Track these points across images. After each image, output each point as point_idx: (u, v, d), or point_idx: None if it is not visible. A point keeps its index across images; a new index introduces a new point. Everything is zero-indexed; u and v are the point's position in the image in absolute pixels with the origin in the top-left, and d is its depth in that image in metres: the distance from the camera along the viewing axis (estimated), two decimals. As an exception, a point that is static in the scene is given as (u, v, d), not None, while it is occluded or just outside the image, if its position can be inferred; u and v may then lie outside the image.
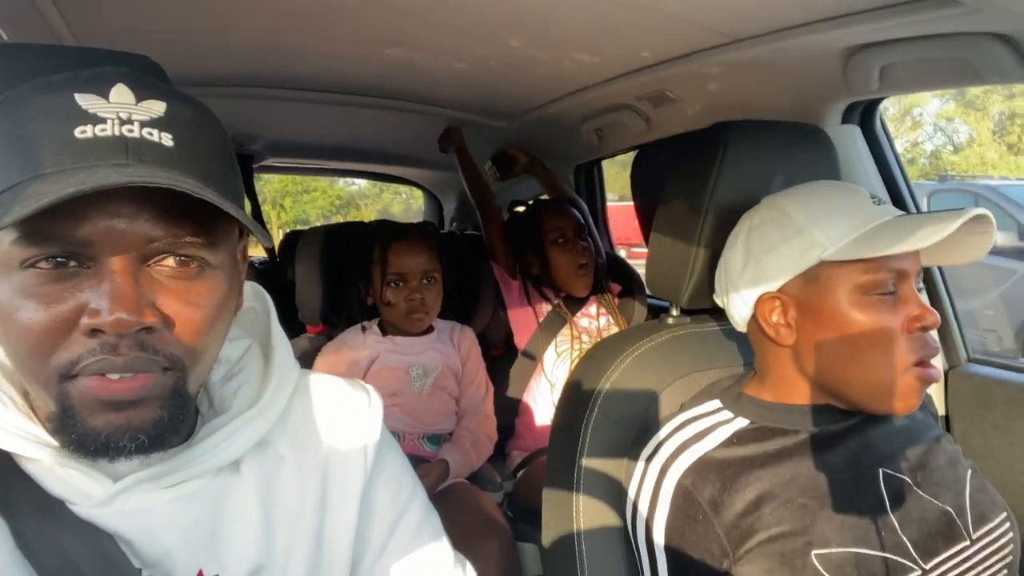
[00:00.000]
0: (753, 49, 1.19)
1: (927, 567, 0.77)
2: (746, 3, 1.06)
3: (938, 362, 1.31)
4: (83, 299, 0.49)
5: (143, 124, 0.51)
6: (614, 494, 0.93)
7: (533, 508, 1.15)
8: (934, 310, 0.79)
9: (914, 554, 0.77)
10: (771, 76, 1.29)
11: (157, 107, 0.52)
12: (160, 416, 0.52)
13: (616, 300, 1.99)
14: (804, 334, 0.82)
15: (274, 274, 2.28)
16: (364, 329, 1.67)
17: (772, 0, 1.04)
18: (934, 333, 0.80)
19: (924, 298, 0.81)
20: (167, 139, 0.51)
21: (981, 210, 0.75)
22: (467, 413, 1.70)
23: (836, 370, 0.81)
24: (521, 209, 2.12)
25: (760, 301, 0.85)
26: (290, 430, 0.65)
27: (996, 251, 6.00)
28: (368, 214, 18.71)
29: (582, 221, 1.92)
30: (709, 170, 1.01)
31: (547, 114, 1.88)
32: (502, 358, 1.98)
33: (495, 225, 2.00)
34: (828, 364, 0.81)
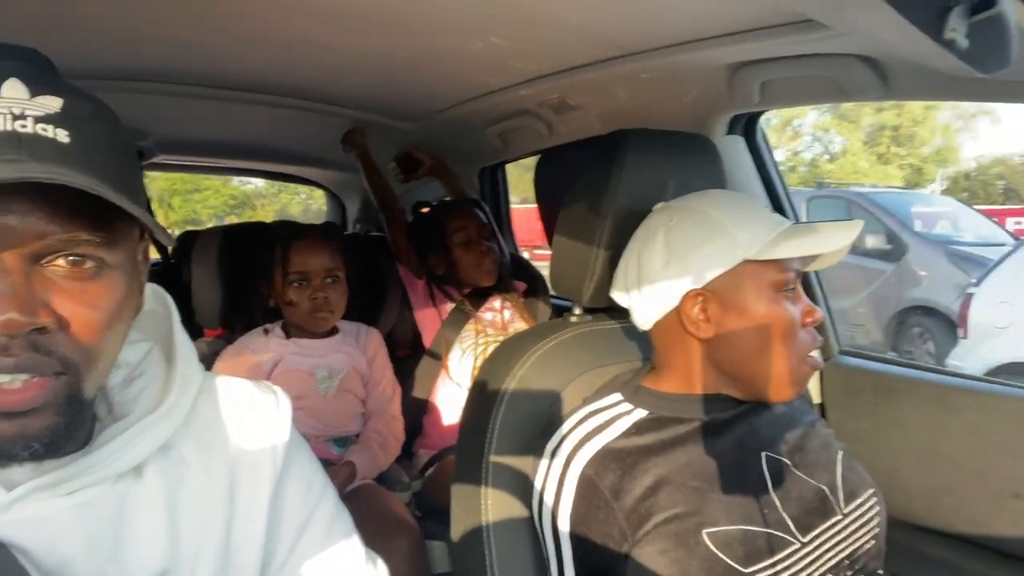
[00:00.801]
0: (647, 61, 1.26)
1: (804, 540, 0.85)
2: (640, 18, 1.12)
3: (815, 354, 1.43)
4: None
5: (37, 120, 0.49)
6: (521, 487, 0.96)
7: (441, 507, 1.17)
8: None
9: (793, 529, 0.84)
10: (664, 88, 1.36)
11: (53, 103, 0.51)
12: (55, 423, 0.51)
13: (521, 299, 2.03)
14: (722, 328, 0.88)
15: (168, 275, 2.18)
16: (266, 332, 1.64)
17: (663, 17, 1.11)
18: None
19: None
20: (63, 135, 0.50)
21: (861, 222, 0.88)
22: (374, 414, 1.69)
23: (749, 360, 0.88)
24: (426, 210, 2.12)
25: (684, 297, 0.90)
26: (195, 433, 0.64)
27: (866, 253, 6.52)
28: (265, 215, 18.05)
29: (486, 222, 1.95)
30: (608, 175, 1.06)
31: (451, 117, 1.90)
32: (409, 358, 1.98)
33: (399, 227, 2.00)
34: (742, 355, 0.88)
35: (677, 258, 0.90)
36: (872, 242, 6.47)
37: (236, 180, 18.76)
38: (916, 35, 0.47)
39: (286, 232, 1.64)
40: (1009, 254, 4.73)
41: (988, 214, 8.79)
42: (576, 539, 0.84)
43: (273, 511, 0.66)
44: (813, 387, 1.39)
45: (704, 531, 0.80)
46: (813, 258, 0.93)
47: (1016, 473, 1.14)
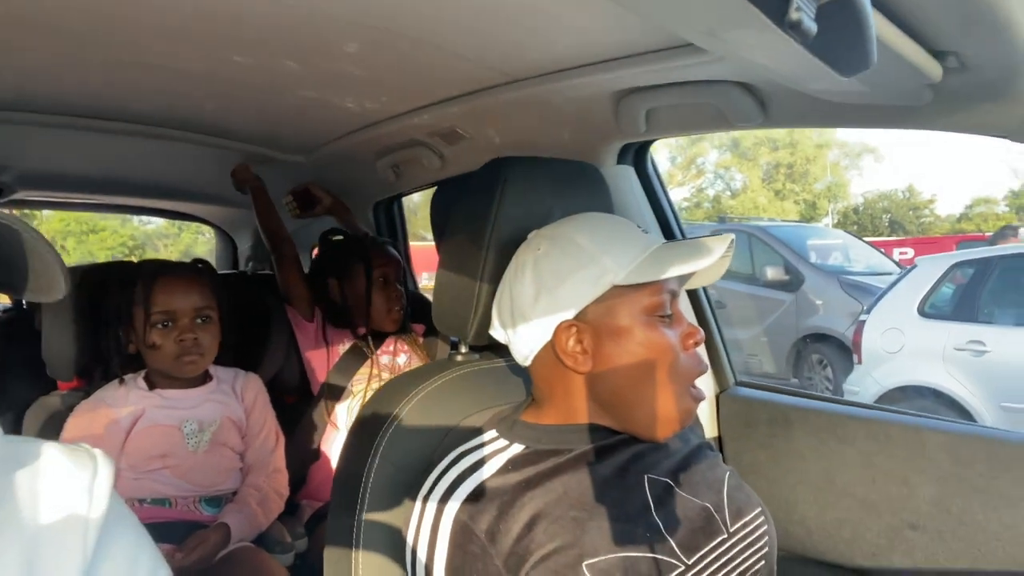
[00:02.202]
0: (534, 88, 1.23)
1: (690, 562, 0.80)
2: (525, 44, 1.09)
3: (709, 385, 1.41)
4: None
5: None
6: (395, 543, 0.87)
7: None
8: (698, 329, 0.85)
9: (678, 552, 0.79)
10: (554, 116, 1.33)
11: None
12: None
13: (421, 339, 1.96)
14: (600, 359, 0.84)
15: (20, 322, 1.96)
16: (123, 382, 1.46)
17: (548, 42, 1.08)
18: (702, 350, 0.84)
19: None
20: None
21: (731, 236, 0.82)
22: (254, 468, 1.54)
23: (628, 391, 0.83)
24: (339, 237, 2.02)
25: (557, 330, 0.85)
26: None
27: (767, 284, 6.80)
28: (168, 255, 17.26)
29: (402, 264, 1.91)
30: (489, 207, 1.00)
31: (342, 149, 1.82)
32: (297, 404, 1.85)
33: (289, 265, 1.88)
34: (622, 386, 0.83)
35: (546, 290, 0.85)
36: (772, 273, 6.76)
37: (136, 220, 17.92)
38: (783, 49, 0.43)
39: (149, 268, 1.48)
40: (895, 282, 5.00)
41: (876, 245, 9.38)
42: None
43: None
44: (708, 419, 1.37)
45: (584, 563, 0.74)
46: (689, 276, 0.90)
47: (910, 503, 1.13)
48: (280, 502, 1.56)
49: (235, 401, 1.54)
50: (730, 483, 0.90)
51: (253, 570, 1.35)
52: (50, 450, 0.61)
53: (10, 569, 0.52)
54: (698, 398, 0.86)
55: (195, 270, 1.52)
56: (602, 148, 1.37)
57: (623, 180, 1.40)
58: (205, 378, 1.53)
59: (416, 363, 1.86)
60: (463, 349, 1.10)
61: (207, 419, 1.48)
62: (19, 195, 2.30)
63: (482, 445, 0.86)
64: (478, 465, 0.83)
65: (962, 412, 4.13)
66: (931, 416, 1.20)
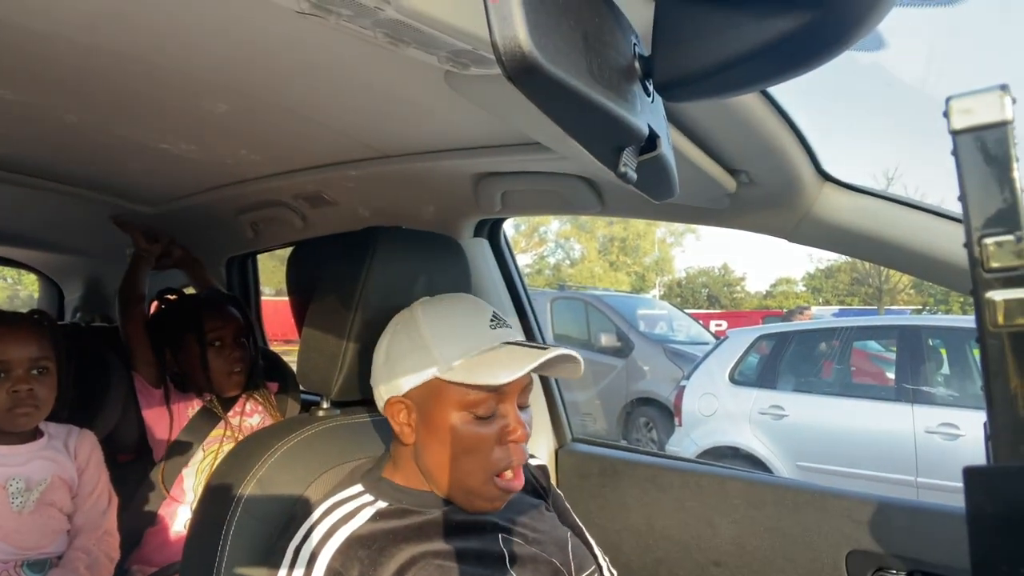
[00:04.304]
0: (401, 165, 1.33)
1: None
2: (395, 127, 1.19)
3: (548, 442, 1.55)
4: None
5: None
6: (257, 597, 0.90)
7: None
8: (525, 426, 0.91)
9: None
10: (417, 190, 1.45)
11: None
12: None
13: (273, 397, 1.93)
14: (420, 436, 0.93)
15: None
16: None
17: (416, 128, 1.19)
18: (524, 446, 0.93)
19: (527, 414, 0.94)
20: None
21: (562, 351, 0.89)
22: (83, 530, 1.45)
23: (438, 470, 0.92)
24: (173, 298, 1.93)
25: (389, 403, 0.95)
26: None
27: (601, 350, 7.23)
28: (-44, 299, 15.15)
29: (243, 323, 1.84)
30: (359, 269, 1.09)
31: (198, 203, 1.80)
32: (133, 463, 1.76)
33: (139, 330, 1.79)
34: (435, 465, 0.92)
35: (388, 364, 0.95)
36: (605, 340, 7.21)
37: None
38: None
39: None
40: (711, 352, 5.54)
41: (696, 317, 10.29)
42: None
43: None
44: (551, 472, 1.50)
45: None
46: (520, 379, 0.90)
47: (714, 543, 1.31)
48: (110, 567, 1.47)
49: (67, 459, 1.46)
50: (572, 542, 1.02)
51: (79, 640, 1.27)
52: None
53: None
54: (505, 488, 0.91)
55: (31, 320, 1.45)
56: (461, 222, 1.50)
57: (479, 252, 1.54)
58: (36, 434, 1.44)
59: (269, 422, 1.84)
60: (324, 404, 1.15)
61: (35, 477, 1.39)
62: None
63: (350, 499, 0.92)
64: (348, 517, 0.89)
65: (765, 471, 4.60)
66: (733, 467, 1.41)
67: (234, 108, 1.20)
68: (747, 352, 5.16)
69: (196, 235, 2.04)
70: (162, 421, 1.75)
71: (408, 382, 0.92)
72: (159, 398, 1.77)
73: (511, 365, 0.85)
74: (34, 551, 1.37)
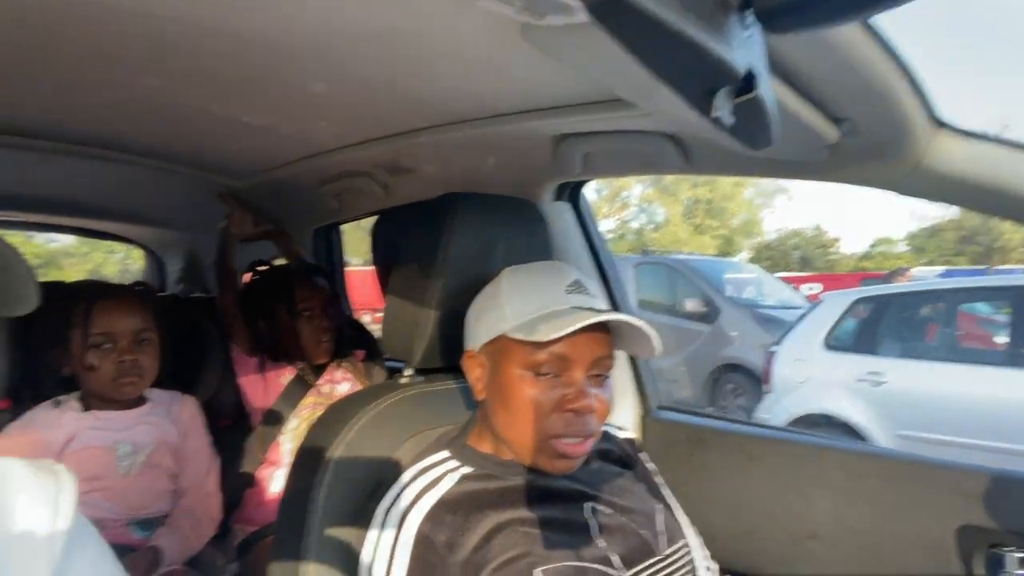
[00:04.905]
0: (478, 130, 1.31)
1: (628, 574, 0.89)
2: (473, 90, 1.17)
3: (633, 409, 1.52)
4: None
5: None
6: (346, 559, 0.91)
7: (262, 590, 1.08)
8: (592, 399, 0.88)
9: (619, 564, 0.89)
10: (496, 154, 1.42)
11: None
12: None
13: (361, 365, 1.98)
14: (489, 393, 0.95)
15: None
16: (57, 404, 1.45)
17: (495, 90, 1.16)
18: (591, 417, 0.89)
19: (604, 389, 0.91)
20: None
21: (622, 317, 0.87)
22: (187, 491, 1.54)
23: (504, 429, 0.93)
24: (263, 269, 2.00)
25: (466, 356, 0.98)
26: None
27: (686, 316, 7.07)
28: (73, 275, 16.39)
29: (330, 293, 1.90)
30: (439, 236, 1.08)
31: (284, 176, 1.85)
32: (231, 428, 1.84)
33: (233, 304, 1.86)
34: (500, 424, 0.93)
35: (470, 322, 0.99)
36: (690, 305, 7.04)
37: (40, 237, 16.96)
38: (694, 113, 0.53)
39: (89, 290, 1.48)
40: (803, 316, 5.31)
41: (787, 280, 9.90)
42: None
43: None
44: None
45: (536, 569, 0.82)
46: (595, 348, 0.90)
47: (810, 515, 1.25)
48: (212, 526, 1.56)
49: (170, 424, 1.54)
50: (663, 516, 1.00)
51: (187, 593, 1.35)
52: (15, 465, 0.63)
53: None
54: (559, 451, 0.89)
55: (135, 292, 1.53)
56: (541, 186, 1.47)
57: (559, 216, 1.51)
58: (140, 400, 1.53)
59: (358, 388, 1.88)
60: (408, 372, 1.16)
61: (141, 442, 1.48)
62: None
63: (437, 464, 0.94)
64: (435, 482, 0.90)
65: (861, 440, 4.40)
66: (830, 437, 1.34)
67: (318, 80, 1.21)
68: (844, 316, 4.91)
69: (283, 207, 2.09)
70: (257, 389, 1.83)
71: (481, 337, 0.95)
72: (254, 367, 1.84)
73: (560, 325, 0.85)
74: (141, 511, 1.46)
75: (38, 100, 1.38)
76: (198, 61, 1.13)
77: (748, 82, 0.40)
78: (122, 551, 1.36)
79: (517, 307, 0.92)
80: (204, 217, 2.09)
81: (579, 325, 0.84)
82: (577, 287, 0.94)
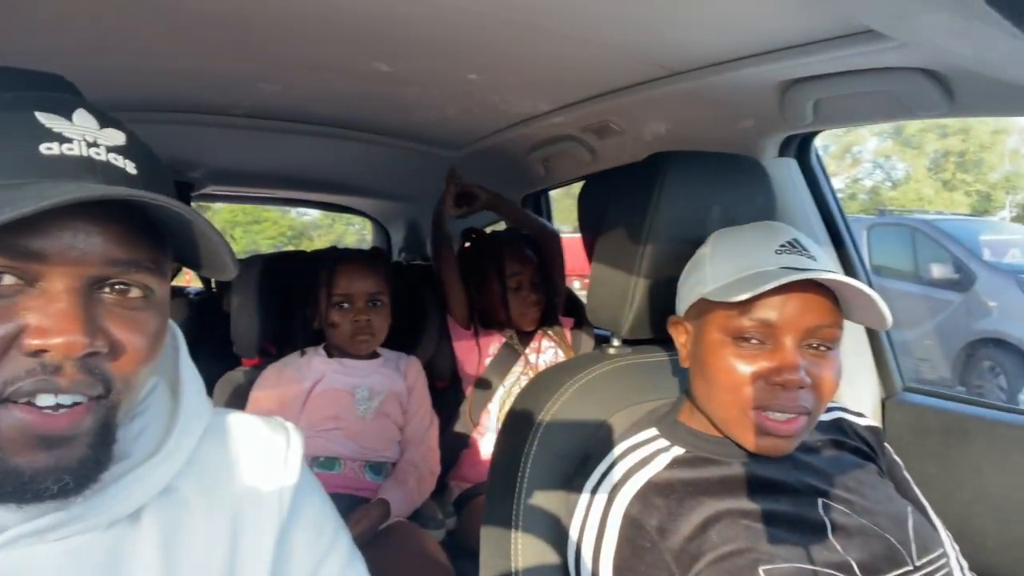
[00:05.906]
0: (692, 82, 1.21)
1: None
2: (687, 37, 1.08)
3: (872, 391, 1.33)
4: (25, 318, 0.48)
5: (109, 149, 0.52)
6: (554, 529, 0.90)
7: (475, 548, 1.11)
8: (802, 371, 0.78)
9: (858, 572, 0.77)
10: (710, 108, 1.31)
11: (118, 136, 0.53)
12: (87, 455, 0.50)
13: (568, 333, 1.98)
14: (692, 361, 0.89)
15: (210, 305, 2.19)
16: (304, 353, 1.64)
17: (707, 35, 1.06)
18: (803, 393, 0.78)
19: (828, 365, 0.80)
20: (131, 167, 0.52)
21: (837, 277, 0.77)
22: (411, 444, 1.66)
23: (704, 400, 0.86)
24: (474, 238, 2.06)
25: (671, 322, 0.94)
26: (198, 474, 0.60)
27: (932, 283, 6.25)
28: (321, 245, 18.50)
29: (538, 263, 1.91)
30: (647, 201, 1.01)
31: (494, 144, 1.88)
32: (447, 390, 1.94)
33: (451, 272, 1.92)
34: (701, 395, 0.87)
35: (680, 287, 0.94)
36: (938, 271, 6.21)
37: (293, 212, 19.33)
38: (988, 35, 0.41)
39: (332, 255, 1.65)
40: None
41: (1062, 242, 8.36)
42: None
43: (278, 557, 0.62)
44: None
45: (761, 567, 0.74)
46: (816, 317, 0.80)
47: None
48: (432, 480, 1.65)
49: (399, 378, 1.68)
50: (914, 519, 0.86)
51: (410, 543, 1.44)
52: (253, 422, 0.68)
53: (221, 528, 0.60)
54: (762, 426, 0.80)
55: (371, 257, 1.67)
56: (763, 140, 1.33)
57: (785, 174, 1.35)
58: (374, 355, 1.69)
59: (563, 358, 1.89)
60: (615, 342, 1.11)
61: (376, 388, 1.63)
62: (207, 189, 2.56)
63: (646, 442, 0.89)
64: (645, 462, 0.85)
65: None
66: None
67: (519, 44, 1.19)
68: None
69: (494, 175, 2.13)
70: (471, 356, 1.90)
71: (685, 301, 0.90)
72: (469, 335, 1.92)
73: (756, 286, 0.76)
74: (374, 453, 1.60)
75: (292, 90, 1.54)
76: (417, 37, 1.17)
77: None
78: (354, 502, 1.49)
79: (719, 268, 0.85)
80: (424, 189, 2.20)
81: (774, 284, 0.76)
82: (791, 247, 0.84)
